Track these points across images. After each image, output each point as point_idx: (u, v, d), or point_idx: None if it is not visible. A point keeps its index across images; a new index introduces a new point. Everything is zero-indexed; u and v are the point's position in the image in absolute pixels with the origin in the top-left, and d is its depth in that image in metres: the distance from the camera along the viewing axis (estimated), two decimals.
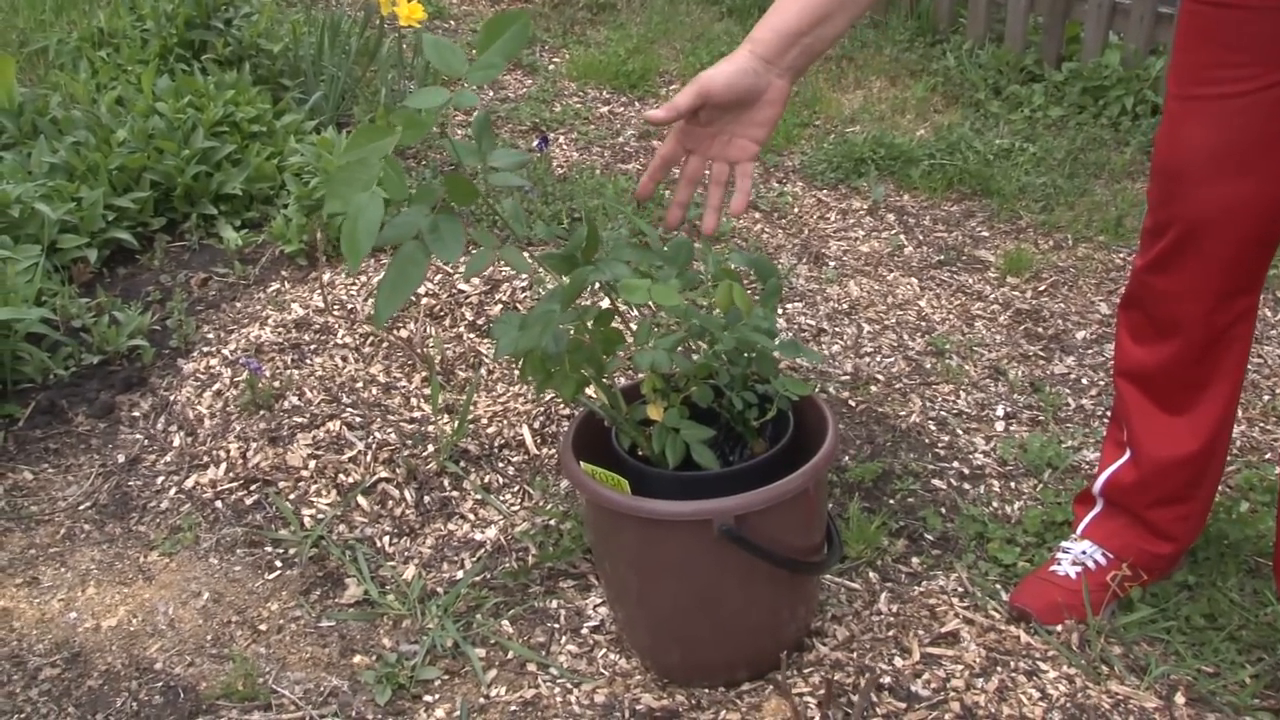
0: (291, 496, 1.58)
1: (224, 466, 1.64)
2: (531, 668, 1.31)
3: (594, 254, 1.15)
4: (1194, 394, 1.27)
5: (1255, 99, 1.11)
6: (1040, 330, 2.03)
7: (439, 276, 1.99)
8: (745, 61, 0.97)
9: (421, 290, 1.94)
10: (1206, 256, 1.19)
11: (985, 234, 2.38)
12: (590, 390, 1.22)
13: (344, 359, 1.84)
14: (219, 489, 1.61)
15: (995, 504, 1.57)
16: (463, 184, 1.04)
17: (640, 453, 1.21)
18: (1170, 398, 1.28)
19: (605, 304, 1.20)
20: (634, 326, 1.20)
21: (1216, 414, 1.28)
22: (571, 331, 1.16)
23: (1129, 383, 1.32)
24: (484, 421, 1.71)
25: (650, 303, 1.10)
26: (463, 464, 1.63)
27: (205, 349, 1.90)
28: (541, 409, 1.72)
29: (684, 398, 1.22)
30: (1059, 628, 1.32)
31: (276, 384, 1.75)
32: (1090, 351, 1.97)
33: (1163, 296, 1.24)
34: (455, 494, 1.59)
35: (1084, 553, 1.36)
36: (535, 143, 2.52)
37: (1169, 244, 1.21)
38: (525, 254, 1.07)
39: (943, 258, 2.28)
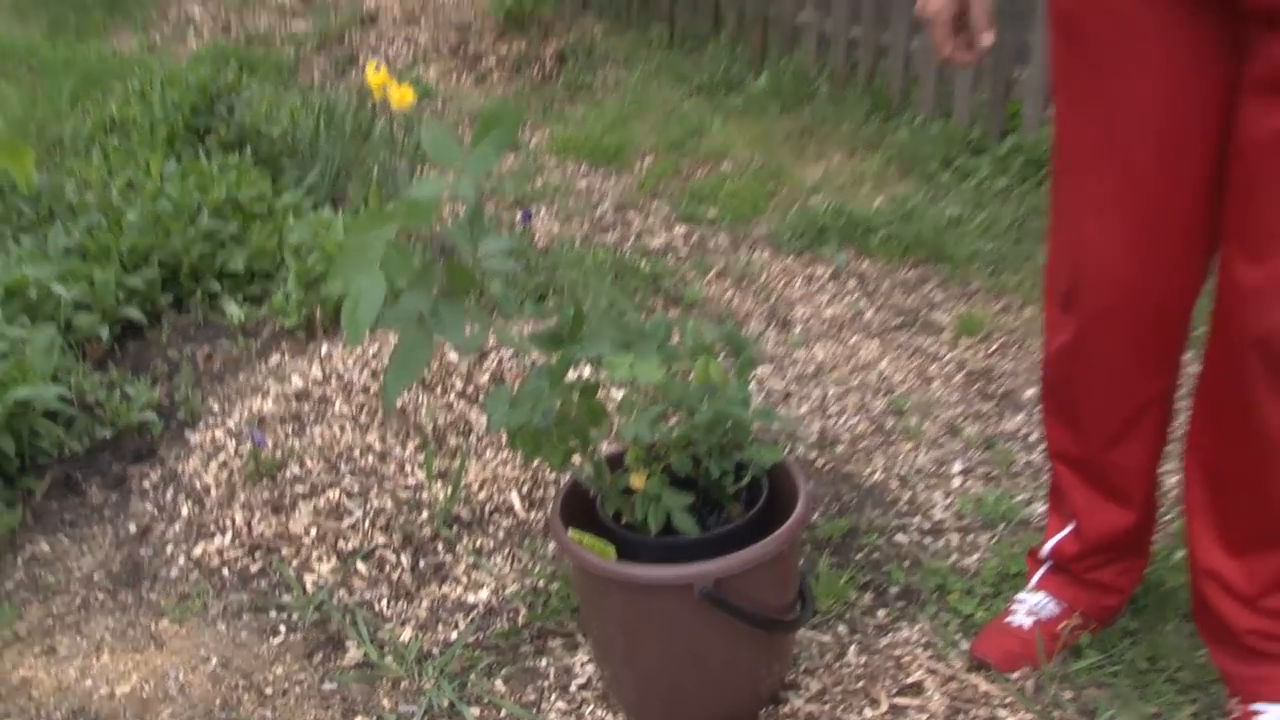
0: (294, 563, 1.66)
1: (230, 535, 1.72)
2: None
3: (579, 333, 1.26)
4: (1120, 474, 1.35)
5: (1132, 179, 1.14)
6: (991, 389, 2.16)
7: None
8: None
9: None
10: (1107, 345, 1.25)
11: (940, 298, 2.52)
12: (575, 458, 1.33)
13: (342, 428, 1.93)
14: (225, 557, 1.68)
15: (955, 556, 1.67)
16: (462, 272, 1.15)
17: (624, 520, 1.31)
18: (1100, 479, 1.36)
19: (588, 371, 1.30)
20: (616, 395, 1.31)
21: (1145, 486, 1.37)
22: (559, 405, 1.27)
23: (1062, 464, 1.40)
24: (475, 488, 1.80)
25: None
26: (455, 529, 1.72)
27: (210, 420, 1.99)
28: (529, 475, 1.82)
29: (664, 466, 1.33)
30: (1015, 675, 1.40)
31: (278, 454, 1.84)
32: (1038, 409, 2.08)
33: (1072, 384, 1.32)
34: (449, 558, 1.67)
35: (1038, 604, 1.45)
36: (519, 216, 2.66)
37: (1072, 334, 1.26)
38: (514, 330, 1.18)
39: (901, 321, 2.42)
